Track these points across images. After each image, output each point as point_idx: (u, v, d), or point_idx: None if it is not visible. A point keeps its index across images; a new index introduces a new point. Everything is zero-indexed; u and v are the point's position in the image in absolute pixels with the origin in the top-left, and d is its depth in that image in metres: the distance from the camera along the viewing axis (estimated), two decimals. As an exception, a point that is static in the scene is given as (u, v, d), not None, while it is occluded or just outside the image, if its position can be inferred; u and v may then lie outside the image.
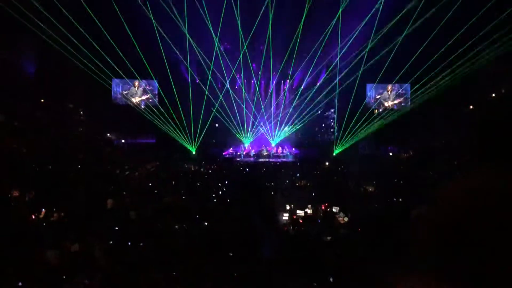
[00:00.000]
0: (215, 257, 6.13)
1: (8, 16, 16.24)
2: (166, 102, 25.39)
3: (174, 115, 25.45)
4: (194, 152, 26.56)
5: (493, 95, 19.00)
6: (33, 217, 8.89)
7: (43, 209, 9.15)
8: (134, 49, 20.93)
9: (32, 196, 10.61)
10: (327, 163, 22.32)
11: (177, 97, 24.65)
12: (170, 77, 23.87)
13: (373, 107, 28.11)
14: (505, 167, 1.26)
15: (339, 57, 24.33)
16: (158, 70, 24.50)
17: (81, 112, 24.75)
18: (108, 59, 21.12)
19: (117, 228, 7.96)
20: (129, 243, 6.79)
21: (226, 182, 15.63)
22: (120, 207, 9.88)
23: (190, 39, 22.94)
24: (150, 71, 23.84)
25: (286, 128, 29.88)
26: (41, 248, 6.27)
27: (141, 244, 6.74)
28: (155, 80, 27.24)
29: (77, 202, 9.88)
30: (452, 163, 17.38)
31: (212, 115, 27.11)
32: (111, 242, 6.84)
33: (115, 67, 21.98)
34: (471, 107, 22.20)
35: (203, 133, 26.68)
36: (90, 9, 17.86)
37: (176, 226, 8.22)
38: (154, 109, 26.12)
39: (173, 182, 15.36)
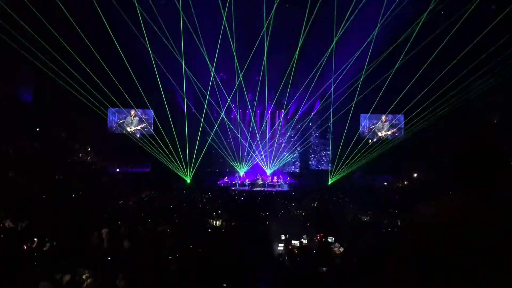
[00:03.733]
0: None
1: (5, 48, 16.45)
2: (162, 131, 25.49)
3: (169, 144, 25.47)
4: (189, 181, 26.48)
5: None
6: (25, 247, 8.77)
7: (36, 239, 9.03)
8: (131, 79, 21.13)
9: (25, 226, 10.49)
10: (322, 193, 22.30)
11: (172, 126, 24.80)
12: (166, 106, 24.10)
13: (367, 137, 28.38)
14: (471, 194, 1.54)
15: (333, 87, 24.72)
16: (154, 99, 24.75)
17: (77, 142, 24.71)
18: (105, 89, 21.27)
19: (110, 258, 7.87)
20: (122, 273, 6.71)
21: (220, 211, 15.56)
22: (114, 236, 9.78)
23: (186, 69, 23.28)
24: (146, 100, 24.01)
25: (281, 158, 30.00)
26: (33, 279, 6.18)
27: (135, 274, 6.67)
28: (151, 109, 27.54)
29: (70, 232, 9.78)
30: (445, 192, 17.40)
31: (207, 144, 27.24)
32: (104, 272, 6.76)
33: (111, 96, 22.12)
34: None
35: (198, 162, 26.69)
36: (87, 39, 18.16)
37: (170, 256, 8.14)
38: (149, 138, 26.18)
39: (168, 212, 15.25)
